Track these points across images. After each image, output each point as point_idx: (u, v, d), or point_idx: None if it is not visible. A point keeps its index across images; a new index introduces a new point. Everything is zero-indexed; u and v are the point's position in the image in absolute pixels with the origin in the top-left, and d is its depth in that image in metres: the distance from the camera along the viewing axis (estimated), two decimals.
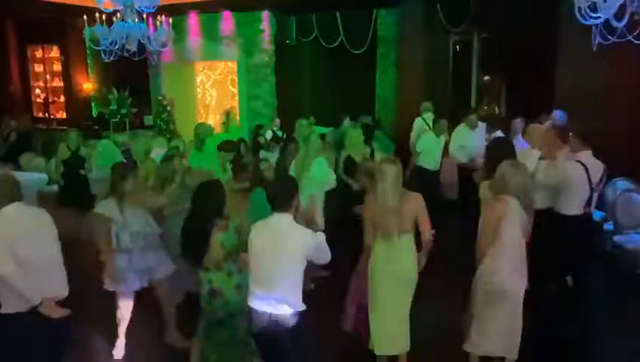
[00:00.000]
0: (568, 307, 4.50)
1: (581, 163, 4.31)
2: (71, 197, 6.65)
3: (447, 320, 4.34)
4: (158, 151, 8.74)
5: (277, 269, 3.05)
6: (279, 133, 9.42)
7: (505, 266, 3.57)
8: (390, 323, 3.81)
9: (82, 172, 6.87)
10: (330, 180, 5.37)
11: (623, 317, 4.84)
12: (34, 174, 7.58)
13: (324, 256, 3.22)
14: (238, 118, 11.81)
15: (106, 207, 4.06)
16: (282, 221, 3.09)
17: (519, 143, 5.39)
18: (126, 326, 4.33)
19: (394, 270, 3.74)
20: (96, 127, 12.35)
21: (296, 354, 3.15)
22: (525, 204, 3.57)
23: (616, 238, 5.77)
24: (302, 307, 3.11)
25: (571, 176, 4.33)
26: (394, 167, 3.71)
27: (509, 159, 4.36)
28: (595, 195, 4.40)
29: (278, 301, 3.06)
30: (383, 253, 3.75)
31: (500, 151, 4.68)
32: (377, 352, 3.86)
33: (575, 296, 4.48)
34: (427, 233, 3.77)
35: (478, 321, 3.73)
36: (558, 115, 6.79)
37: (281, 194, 3.14)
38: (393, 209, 3.64)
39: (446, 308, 4.53)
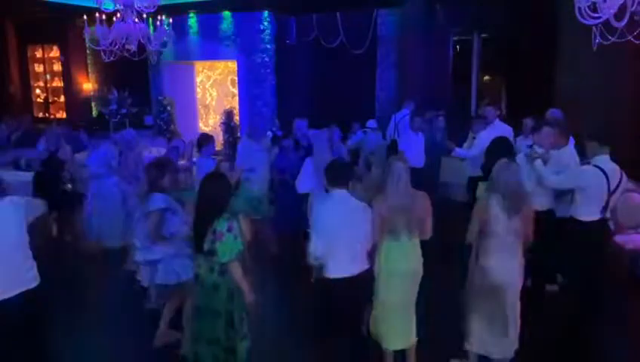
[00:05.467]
0: (568, 307, 4.49)
1: (600, 168, 4.23)
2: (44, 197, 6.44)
3: (452, 316, 4.30)
4: (157, 151, 8.78)
5: (350, 234, 3.54)
6: (279, 134, 9.42)
7: (494, 264, 3.64)
8: (401, 320, 3.85)
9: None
10: None
11: (623, 317, 4.84)
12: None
13: (369, 241, 3.67)
14: (237, 118, 11.82)
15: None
16: (344, 195, 3.62)
17: (527, 143, 5.29)
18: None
19: (403, 268, 3.78)
20: (96, 127, 12.37)
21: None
22: (514, 204, 3.58)
23: (616, 238, 5.77)
24: (368, 264, 3.70)
25: (591, 182, 4.24)
26: (404, 165, 3.75)
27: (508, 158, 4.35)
28: (613, 200, 4.31)
29: (354, 261, 3.59)
30: (392, 252, 3.78)
31: (499, 149, 4.69)
32: (390, 347, 3.90)
33: (575, 296, 4.47)
34: (427, 234, 3.82)
35: (475, 319, 3.79)
36: (556, 114, 6.69)
37: (340, 173, 3.67)
38: (404, 208, 3.68)
39: (452, 303, 4.48)
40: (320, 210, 3.68)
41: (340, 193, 3.62)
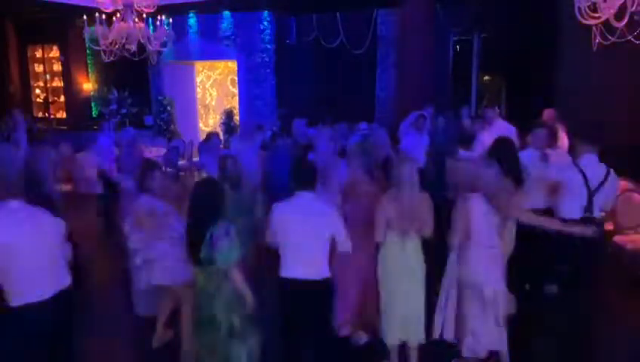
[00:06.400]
0: (568, 307, 4.49)
1: (578, 166, 4.23)
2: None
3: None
4: (157, 151, 8.80)
5: (306, 239, 3.42)
6: (278, 134, 9.42)
7: (473, 262, 3.67)
8: (404, 315, 3.86)
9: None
10: None
11: (623, 317, 4.84)
12: None
13: (346, 240, 3.53)
14: (237, 117, 11.83)
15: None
16: (308, 197, 3.47)
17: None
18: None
19: (406, 266, 3.81)
20: (96, 127, 12.39)
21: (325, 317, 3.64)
22: (496, 204, 3.62)
23: (616, 238, 5.76)
24: (328, 274, 3.51)
25: (565, 177, 4.25)
26: (416, 168, 3.77)
27: (510, 158, 4.36)
28: (598, 199, 4.30)
29: (307, 268, 3.44)
30: (396, 251, 3.81)
31: (501, 150, 4.66)
32: (389, 342, 3.93)
33: (575, 296, 4.47)
34: (428, 231, 3.82)
35: (459, 320, 3.82)
36: (550, 114, 6.68)
37: (306, 175, 3.50)
38: (414, 210, 3.71)
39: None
40: (282, 211, 3.53)
41: (304, 196, 3.48)
